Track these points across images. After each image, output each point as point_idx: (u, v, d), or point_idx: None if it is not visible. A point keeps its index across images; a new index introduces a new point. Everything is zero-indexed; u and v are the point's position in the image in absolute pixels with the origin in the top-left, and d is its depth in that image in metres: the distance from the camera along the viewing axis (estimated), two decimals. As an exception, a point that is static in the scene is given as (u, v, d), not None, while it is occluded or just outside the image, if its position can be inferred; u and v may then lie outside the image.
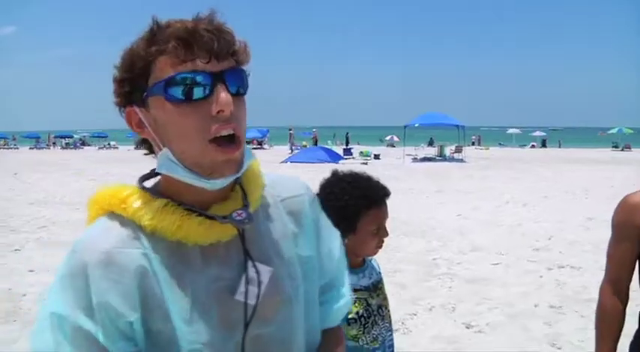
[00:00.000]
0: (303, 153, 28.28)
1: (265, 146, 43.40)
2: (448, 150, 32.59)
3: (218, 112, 0.86)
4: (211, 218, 0.92)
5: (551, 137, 57.07)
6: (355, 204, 1.81)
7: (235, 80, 0.90)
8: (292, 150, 34.69)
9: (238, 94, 0.91)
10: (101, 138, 54.80)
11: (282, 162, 25.60)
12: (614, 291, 1.89)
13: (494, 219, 10.69)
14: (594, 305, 6.04)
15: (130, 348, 0.89)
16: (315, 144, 38.61)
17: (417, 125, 30.36)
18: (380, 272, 2.05)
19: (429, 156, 31.49)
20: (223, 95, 0.86)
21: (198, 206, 0.93)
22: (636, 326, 1.89)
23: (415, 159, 28.94)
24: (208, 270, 0.93)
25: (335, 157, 26.80)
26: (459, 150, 31.85)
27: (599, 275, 6.41)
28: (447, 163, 27.17)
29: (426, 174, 20.99)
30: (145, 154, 0.99)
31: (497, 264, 7.24)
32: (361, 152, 31.55)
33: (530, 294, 5.93)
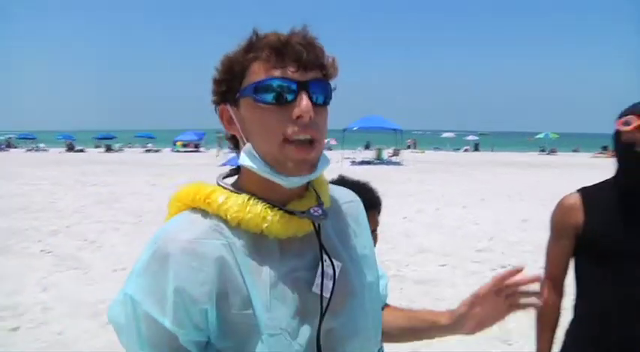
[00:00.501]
0: (243, 156, 28.00)
1: (201, 149, 42.78)
2: (386, 154, 33.11)
3: (298, 117, 0.95)
4: (290, 213, 1.00)
5: (483, 141, 59.01)
6: None
7: (319, 90, 0.99)
8: (218, 154, 34.46)
9: (321, 104, 0.99)
10: (29, 139, 52.09)
11: (221, 164, 25.27)
12: (552, 287, 2.01)
13: (437, 221, 10.98)
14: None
15: (199, 337, 0.95)
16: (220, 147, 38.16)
17: (355, 128, 30.64)
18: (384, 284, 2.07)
19: (367, 159, 31.85)
20: (305, 102, 0.95)
21: (278, 201, 1.01)
22: (570, 317, 2.02)
23: (354, 163, 29.24)
24: (286, 262, 1.00)
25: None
26: (396, 153, 32.48)
27: (540, 274, 6.70)
28: (385, 166, 27.64)
29: (365, 177, 21.17)
30: (230, 148, 1.11)
31: (443, 265, 7.45)
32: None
33: (478, 294, 6.10)
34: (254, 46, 0.98)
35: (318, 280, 1.01)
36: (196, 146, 42.57)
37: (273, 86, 0.95)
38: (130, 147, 47.42)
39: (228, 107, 1.03)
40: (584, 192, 2.01)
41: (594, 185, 2.07)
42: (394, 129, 31.83)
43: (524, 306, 1.22)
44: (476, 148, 52.12)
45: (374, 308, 1.15)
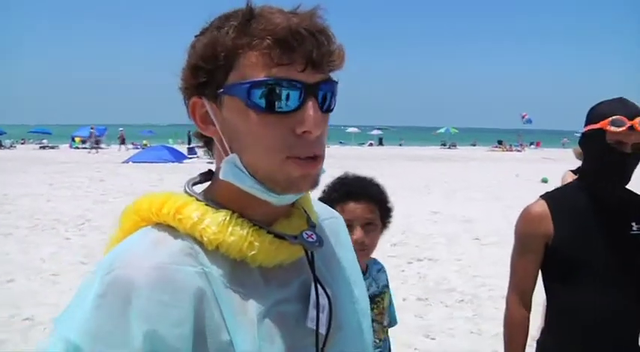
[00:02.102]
0: (146, 153, 27.01)
1: (102, 145, 40.80)
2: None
3: (304, 132, 0.76)
4: (279, 237, 0.82)
5: (387, 136, 60.48)
6: (335, 198, 1.79)
7: (328, 95, 0.80)
8: (120, 149, 33.39)
9: (326, 111, 0.80)
10: None
11: (123, 162, 24.28)
12: (521, 302, 1.93)
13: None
14: (455, 295, 6.47)
15: None
16: (123, 143, 37.36)
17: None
18: (385, 285, 1.99)
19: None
20: (312, 113, 0.75)
21: (263, 221, 0.83)
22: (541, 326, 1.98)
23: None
24: (270, 294, 0.82)
25: (179, 156, 26.03)
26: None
27: (454, 265, 6.92)
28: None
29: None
30: (200, 147, 0.91)
31: (359, 260, 7.41)
32: (206, 150, 30.74)
33: (397, 289, 6.10)
34: (250, 28, 0.75)
35: (312, 313, 0.84)
36: (97, 142, 40.57)
37: (275, 89, 0.74)
38: (22, 143, 44.30)
39: (205, 102, 0.81)
40: (551, 199, 1.92)
41: (559, 189, 2.01)
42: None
43: None
44: (380, 143, 53.24)
45: (365, 334, 1.00)
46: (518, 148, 44.39)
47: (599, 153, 1.80)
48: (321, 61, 0.76)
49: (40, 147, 38.66)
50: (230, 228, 0.78)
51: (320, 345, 0.85)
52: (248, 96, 0.75)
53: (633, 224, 1.82)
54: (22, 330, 4.87)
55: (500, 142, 47.09)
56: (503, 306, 2.00)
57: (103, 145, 40.43)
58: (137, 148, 34.84)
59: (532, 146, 51.36)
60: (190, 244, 0.78)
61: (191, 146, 32.56)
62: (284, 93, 0.74)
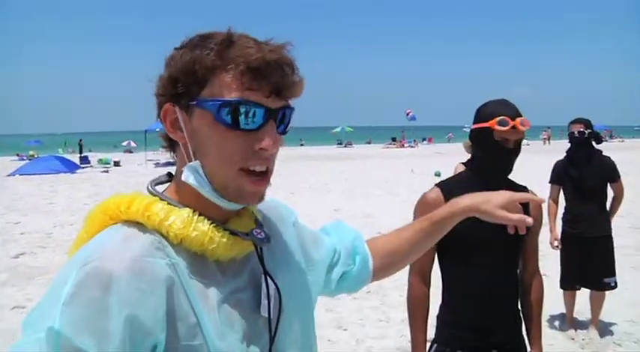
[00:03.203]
0: (35, 164, 25.30)
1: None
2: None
3: (260, 149, 0.88)
4: (233, 234, 0.93)
5: (286, 136, 60.56)
6: None
7: (286, 120, 0.93)
8: None
9: (281, 132, 0.93)
10: None
11: (9, 175, 22.73)
12: (421, 280, 2.17)
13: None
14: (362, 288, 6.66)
15: None
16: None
17: (158, 129, 29.45)
18: None
19: (171, 160, 30.67)
20: (272, 134, 0.88)
21: (218, 219, 0.93)
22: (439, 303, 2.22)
23: (158, 164, 27.95)
24: (227, 283, 0.93)
25: (71, 166, 24.81)
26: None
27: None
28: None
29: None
30: (163, 147, 0.99)
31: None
32: (100, 159, 29.57)
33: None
34: (227, 54, 0.86)
35: (264, 302, 0.96)
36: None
37: (241, 110, 0.85)
38: None
39: (177, 109, 0.90)
40: (445, 186, 2.15)
41: (452, 178, 2.25)
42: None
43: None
44: (279, 143, 53.32)
45: (310, 311, 1.13)
46: (412, 144, 46.22)
47: (486, 148, 2.07)
48: (284, 89, 0.89)
49: None
50: (193, 225, 0.88)
51: (272, 329, 0.96)
52: (218, 112, 0.85)
53: None
54: None
55: (394, 139, 48.81)
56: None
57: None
58: (23, 160, 32.72)
59: (424, 142, 53.50)
60: (158, 239, 0.87)
61: (83, 155, 31.13)
62: (249, 113, 0.86)
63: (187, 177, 0.90)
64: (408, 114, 45.96)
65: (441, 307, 2.21)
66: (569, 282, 4.88)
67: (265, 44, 0.89)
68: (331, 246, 1.26)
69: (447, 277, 2.17)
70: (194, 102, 0.88)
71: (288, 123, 0.95)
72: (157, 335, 0.80)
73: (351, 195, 14.31)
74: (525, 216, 1.24)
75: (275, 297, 0.98)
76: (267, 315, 0.96)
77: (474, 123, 2.12)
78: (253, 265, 0.99)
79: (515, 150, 2.05)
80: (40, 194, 15.80)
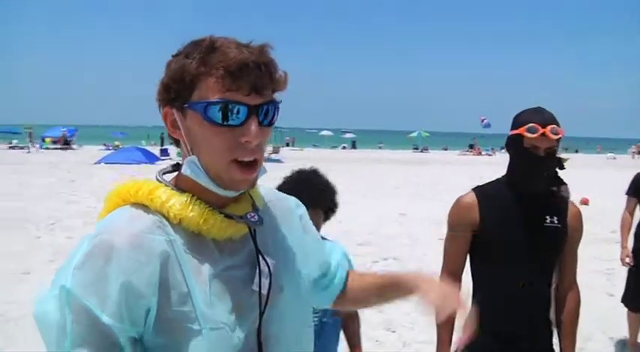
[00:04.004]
0: (119, 154, 26.86)
1: (74, 146, 40.31)
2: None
3: (245, 141, 0.98)
4: (229, 217, 1.05)
5: (361, 139, 60.86)
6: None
7: (268, 113, 1.02)
8: (29, 151, 33.47)
9: (267, 125, 1.03)
10: None
11: (95, 163, 24.12)
12: (452, 281, 2.13)
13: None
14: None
15: (134, 334, 0.94)
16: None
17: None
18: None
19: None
20: (253, 128, 0.98)
21: (216, 204, 1.05)
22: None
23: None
24: (222, 261, 1.04)
25: (151, 158, 26.02)
26: (276, 151, 32.65)
27: (417, 264, 7.05)
28: (266, 164, 27.36)
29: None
30: (170, 143, 1.11)
31: (327, 259, 7.60)
32: (179, 152, 30.38)
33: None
34: (209, 61, 0.97)
35: (256, 279, 1.07)
36: (67, 142, 40.03)
37: (224, 109, 0.96)
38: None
39: (174, 112, 1.03)
40: (480, 191, 2.17)
41: (487, 184, 2.24)
42: (275, 127, 31.66)
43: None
44: (353, 146, 53.64)
45: (304, 297, 1.22)
46: (489, 152, 45.15)
47: (518, 155, 2.08)
48: (262, 87, 0.99)
49: (9, 148, 38.02)
50: (190, 207, 1.01)
51: (262, 304, 1.06)
52: (205, 112, 0.97)
53: (547, 217, 2.10)
54: (-7, 325, 4.98)
55: (471, 146, 47.89)
56: None
57: (74, 146, 40.00)
58: (109, 149, 34.54)
59: (502, 150, 52.09)
60: (160, 219, 1.00)
61: (164, 147, 32.48)
62: (232, 111, 0.97)
63: (185, 169, 1.03)
64: (482, 121, 44.79)
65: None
66: (636, 302, 4.54)
67: (245, 47, 1.00)
68: (328, 252, 1.40)
69: (476, 277, 2.17)
70: (186, 105, 1.00)
71: (274, 115, 1.04)
72: (150, 298, 0.94)
73: (421, 199, 14.20)
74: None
75: (267, 275, 1.09)
76: (257, 290, 1.06)
77: (510, 130, 2.12)
78: (251, 245, 1.10)
79: (548, 158, 2.02)
80: (120, 181, 16.45)
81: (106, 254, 0.92)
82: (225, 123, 0.97)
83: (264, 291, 1.07)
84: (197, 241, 1.02)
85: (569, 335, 2.16)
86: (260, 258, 1.09)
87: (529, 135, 1.99)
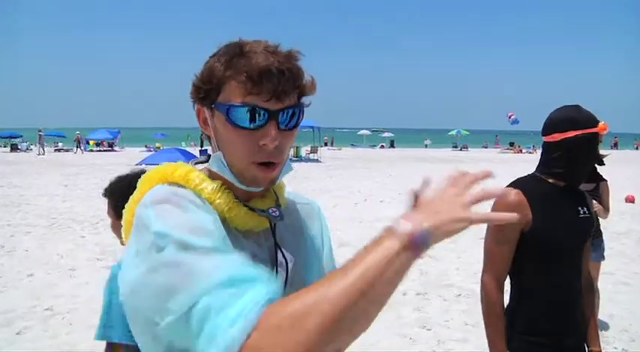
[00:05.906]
0: (159, 155, 27.27)
1: (116, 148, 41.34)
2: (304, 151, 33.16)
3: (263, 145, 1.02)
4: (252, 210, 1.09)
5: (399, 138, 60.49)
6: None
7: (287, 118, 1.04)
8: (40, 152, 34.27)
9: (289, 128, 1.05)
10: None
11: (136, 164, 24.61)
12: (498, 286, 2.07)
13: (356, 215, 11.28)
14: (453, 290, 6.61)
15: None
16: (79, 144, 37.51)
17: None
18: None
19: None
20: (272, 132, 1.01)
21: (241, 198, 1.10)
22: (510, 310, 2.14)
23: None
24: (249, 247, 1.07)
25: (191, 159, 26.03)
26: (314, 150, 32.58)
27: (455, 263, 7.03)
28: (304, 164, 27.52)
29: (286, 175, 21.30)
30: (202, 137, 1.11)
31: (363, 257, 7.62)
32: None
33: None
34: (235, 65, 1.01)
35: (274, 271, 1.10)
36: (110, 145, 41.06)
37: (245, 112, 1.00)
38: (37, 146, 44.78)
39: (205, 110, 1.08)
40: (522, 188, 2.06)
41: (520, 181, 2.15)
42: (311, 127, 32.03)
43: None
44: (391, 145, 53.37)
45: None
46: (530, 150, 44.30)
47: (586, 154, 2.04)
48: (284, 93, 1.01)
49: (55, 150, 39.17)
50: (219, 194, 1.05)
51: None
52: (227, 114, 1.01)
53: (579, 209, 2.10)
54: (42, 319, 5.23)
55: (512, 144, 47.09)
56: None
57: (116, 148, 40.99)
58: (150, 151, 35.28)
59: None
60: (197, 195, 1.02)
61: (203, 148, 32.99)
62: (252, 115, 1.00)
63: (211, 164, 1.09)
64: (510, 117, 43.23)
65: (512, 315, 2.11)
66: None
67: (272, 53, 1.02)
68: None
69: (525, 279, 2.10)
70: (213, 105, 1.05)
71: (298, 119, 1.07)
72: (217, 230, 0.94)
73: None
74: None
75: (283, 266, 1.13)
76: None
77: (562, 131, 2.04)
78: (272, 243, 1.14)
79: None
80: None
81: (174, 202, 0.93)
82: (245, 126, 1.00)
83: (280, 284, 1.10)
84: (224, 226, 1.03)
85: (594, 324, 2.20)
86: (279, 252, 1.12)
87: (603, 133, 2.03)
